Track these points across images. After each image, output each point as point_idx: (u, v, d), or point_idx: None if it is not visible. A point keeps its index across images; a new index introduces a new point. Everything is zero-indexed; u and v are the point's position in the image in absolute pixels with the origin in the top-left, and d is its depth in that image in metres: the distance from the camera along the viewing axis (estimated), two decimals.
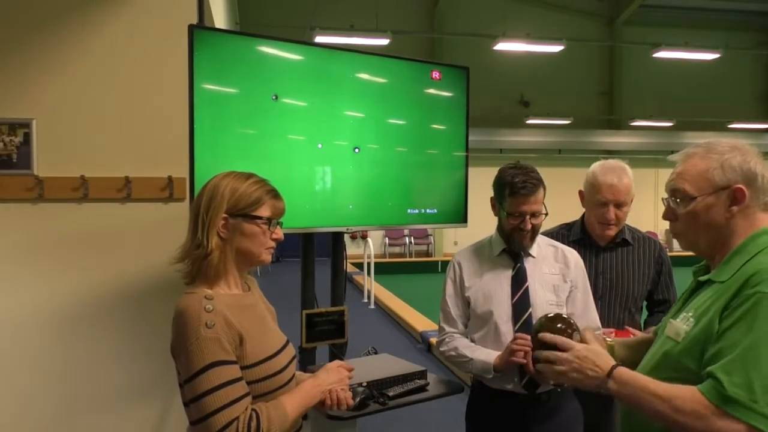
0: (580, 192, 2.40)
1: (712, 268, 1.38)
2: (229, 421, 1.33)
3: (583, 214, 2.42)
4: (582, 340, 1.48)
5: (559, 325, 1.54)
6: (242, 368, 1.41)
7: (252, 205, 1.48)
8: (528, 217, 2.01)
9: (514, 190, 1.99)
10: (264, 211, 1.50)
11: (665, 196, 1.43)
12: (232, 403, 1.34)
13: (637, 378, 1.31)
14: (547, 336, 1.49)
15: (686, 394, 1.21)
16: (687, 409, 1.19)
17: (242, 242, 1.49)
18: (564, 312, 2.05)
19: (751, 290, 1.20)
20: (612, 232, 2.32)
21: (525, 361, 1.82)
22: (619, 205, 2.28)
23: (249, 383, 1.41)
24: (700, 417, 1.18)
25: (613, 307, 2.33)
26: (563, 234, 2.42)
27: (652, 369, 1.36)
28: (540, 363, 1.49)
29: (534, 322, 1.93)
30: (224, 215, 1.46)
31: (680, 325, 1.33)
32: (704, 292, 1.34)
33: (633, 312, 2.35)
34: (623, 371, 1.34)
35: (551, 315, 1.63)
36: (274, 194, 1.53)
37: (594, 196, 2.30)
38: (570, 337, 1.49)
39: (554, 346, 1.46)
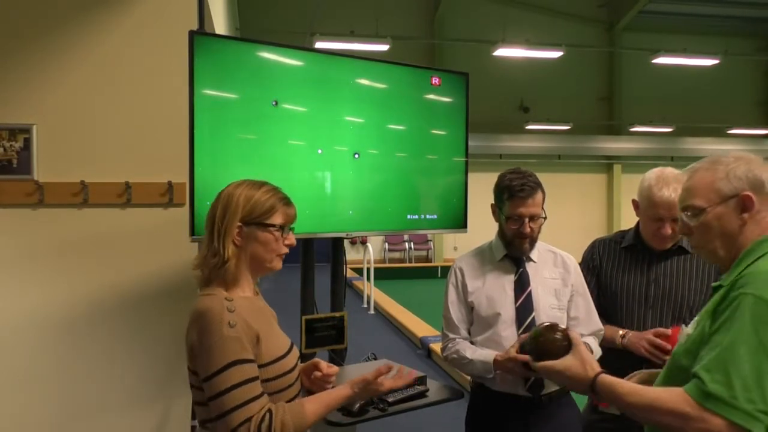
0: (634, 201, 2.24)
1: None
2: (245, 419, 1.38)
3: (638, 222, 2.27)
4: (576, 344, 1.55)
5: (557, 335, 1.61)
6: (258, 367, 1.45)
7: (265, 213, 1.53)
8: (527, 220, 2.03)
9: (512, 193, 2.02)
10: (277, 219, 1.55)
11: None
12: (249, 401, 1.39)
13: (617, 385, 1.36)
14: (536, 366, 1.59)
15: (669, 395, 1.25)
16: (667, 409, 1.23)
17: (256, 249, 1.54)
18: (565, 317, 2.09)
19: (736, 292, 1.25)
20: (669, 245, 2.19)
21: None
22: (676, 220, 2.07)
23: (262, 381, 1.46)
24: (682, 415, 1.21)
25: (665, 317, 2.17)
26: (617, 240, 2.32)
27: (665, 371, 1.43)
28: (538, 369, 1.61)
29: (536, 325, 1.98)
30: (239, 224, 1.51)
31: (688, 329, 1.39)
32: (713, 297, 1.38)
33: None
34: (603, 381, 1.39)
35: (547, 324, 1.70)
36: (286, 201, 1.59)
37: (649, 209, 2.14)
38: (565, 346, 1.56)
39: (548, 354, 1.57)
